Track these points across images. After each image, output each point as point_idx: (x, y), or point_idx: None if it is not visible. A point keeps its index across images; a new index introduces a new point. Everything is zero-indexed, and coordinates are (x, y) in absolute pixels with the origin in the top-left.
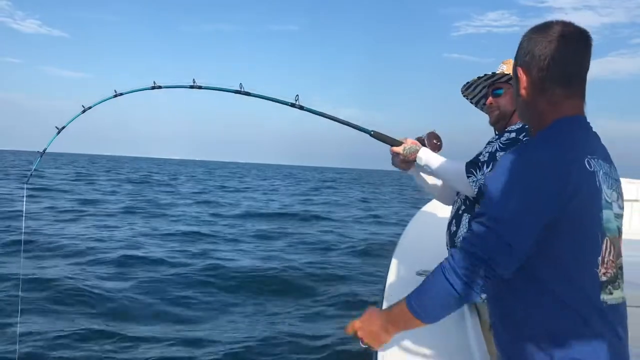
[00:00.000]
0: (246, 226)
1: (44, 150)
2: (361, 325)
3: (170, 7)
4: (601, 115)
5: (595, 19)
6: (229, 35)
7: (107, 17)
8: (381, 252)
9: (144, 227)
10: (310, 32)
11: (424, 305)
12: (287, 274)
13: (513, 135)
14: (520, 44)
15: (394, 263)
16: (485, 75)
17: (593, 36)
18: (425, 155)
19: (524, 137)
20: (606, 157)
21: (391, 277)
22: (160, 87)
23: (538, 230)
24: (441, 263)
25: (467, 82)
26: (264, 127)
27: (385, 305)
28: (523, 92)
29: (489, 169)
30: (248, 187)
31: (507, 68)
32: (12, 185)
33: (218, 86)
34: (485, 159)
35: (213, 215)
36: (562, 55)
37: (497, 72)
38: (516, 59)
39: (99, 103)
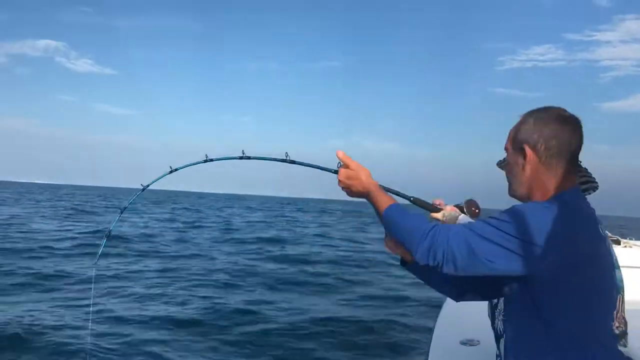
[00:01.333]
0: None
1: (128, 204)
2: (354, 168)
3: (216, 46)
4: None
5: None
6: (272, 73)
7: (155, 55)
8: None
9: None
10: (355, 69)
11: (395, 219)
12: None
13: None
14: (524, 123)
15: (437, 331)
16: None
17: None
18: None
19: None
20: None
21: (434, 346)
22: (212, 160)
23: (500, 272)
24: (437, 225)
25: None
26: None
27: None
28: (529, 167)
29: None
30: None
31: None
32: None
33: (266, 156)
34: None
35: None
36: (565, 135)
37: None
38: (520, 136)
39: (155, 181)
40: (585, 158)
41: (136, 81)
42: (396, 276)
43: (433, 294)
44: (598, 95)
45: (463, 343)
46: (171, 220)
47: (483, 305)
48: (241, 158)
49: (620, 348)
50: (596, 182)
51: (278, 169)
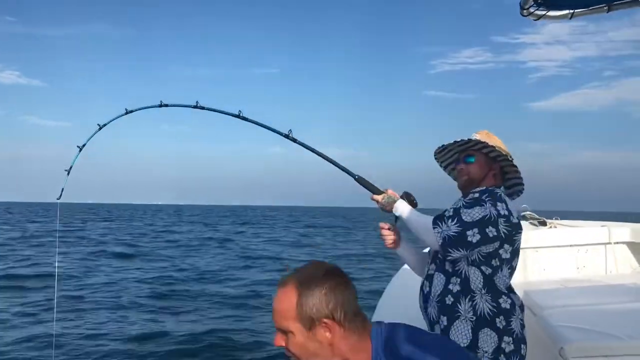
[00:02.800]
0: None
1: (83, 145)
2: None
3: (148, 50)
4: (582, 146)
5: (568, 53)
6: (209, 80)
7: (85, 64)
8: None
9: None
10: (292, 74)
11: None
12: None
13: (476, 195)
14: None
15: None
16: (462, 140)
17: (566, 70)
18: (402, 207)
19: (486, 197)
20: None
21: None
22: (167, 105)
23: None
24: None
25: (443, 145)
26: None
27: None
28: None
29: (454, 222)
30: None
31: (479, 137)
32: None
33: (219, 108)
34: (450, 214)
35: None
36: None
37: (471, 137)
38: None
39: (113, 120)
40: (519, 157)
41: (67, 92)
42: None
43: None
44: (526, 95)
45: None
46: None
47: (416, 299)
48: (195, 107)
49: None
50: (522, 185)
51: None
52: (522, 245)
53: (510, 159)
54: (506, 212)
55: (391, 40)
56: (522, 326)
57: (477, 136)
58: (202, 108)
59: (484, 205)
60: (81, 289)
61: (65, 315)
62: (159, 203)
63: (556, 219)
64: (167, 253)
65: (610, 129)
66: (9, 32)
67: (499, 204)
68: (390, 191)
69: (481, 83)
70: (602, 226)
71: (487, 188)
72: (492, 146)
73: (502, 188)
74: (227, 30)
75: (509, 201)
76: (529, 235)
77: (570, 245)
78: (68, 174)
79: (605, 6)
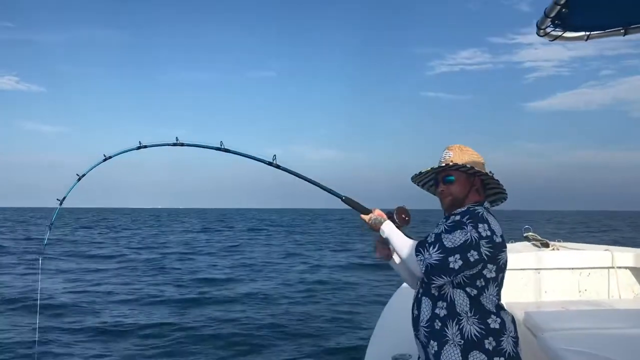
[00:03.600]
0: None
1: (63, 199)
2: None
3: (146, 57)
4: (581, 146)
5: (565, 53)
6: (206, 83)
7: (84, 69)
8: None
9: None
10: (288, 78)
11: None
12: None
13: (457, 217)
14: None
15: (370, 347)
16: (440, 167)
17: (564, 70)
18: (388, 229)
19: (467, 219)
20: None
21: None
22: (146, 147)
23: None
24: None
25: (420, 172)
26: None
27: None
28: None
29: (435, 249)
30: None
31: (453, 155)
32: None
33: (200, 143)
34: (432, 240)
35: None
36: None
37: (445, 157)
38: None
39: (93, 168)
40: (517, 157)
41: (66, 97)
42: None
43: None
44: (523, 95)
45: (395, 358)
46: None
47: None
48: (175, 145)
49: None
50: (505, 193)
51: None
52: (523, 266)
53: (490, 173)
54: (488, 233)
55: (388, 41)
56: (516, 344)
57: (450, 153)
58: (182, 144)
59: (464, 229)
60: None
61: None
62: (159, 207)
63: (559, 241)
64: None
65: (610, 128)
66: (7, 38)
67: (480, 225)
68: (377, 211)
69: (479, 84)
70: (605, 250)
71: (469, 209)
72: (470, 167)
73: (485, 203)
74: (222, 33)
75: (491, 219)
76: (531, 256)
77: (573, 268)
78: (49, 229)
79: (622, 29)
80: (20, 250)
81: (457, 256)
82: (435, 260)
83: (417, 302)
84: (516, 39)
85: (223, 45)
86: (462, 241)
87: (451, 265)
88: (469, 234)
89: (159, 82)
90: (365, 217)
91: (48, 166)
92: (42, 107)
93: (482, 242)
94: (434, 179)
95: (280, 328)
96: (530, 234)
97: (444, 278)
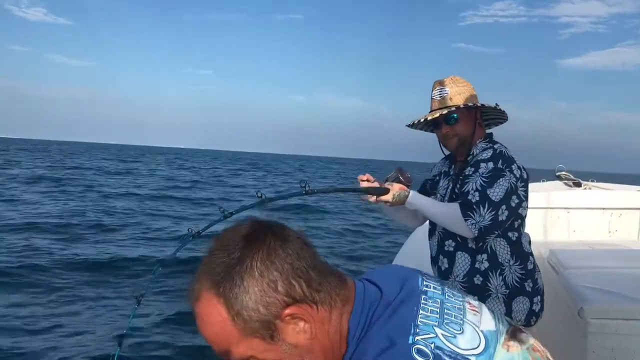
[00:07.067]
0: None
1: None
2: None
3: None
4: (614, 107)
5: (603, 10)
6: (233, 25)
7: (110, 4)
8: None
9: None
10: (317, 22)
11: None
12: None
13: (491, 164)
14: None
15: None
16: (449, 111)
17: (601, 26)
18: (416, 200)
19: (501, 164)
20: None
21: None
22: (271, 200)
23: None
24: None
25: (426, 119)
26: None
27: None
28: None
29: (486, 209)
30: None
31: (450, 91)
32: None
33: (286, 194)
34: (477, 198)
35: None
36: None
37: (442, 94)
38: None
39: (211, 225)
40: (546, 116)
41: (93, 32)
42: None
43: None
44: (557, 51)
45: None
46: None
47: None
48: (306, 193)
49: None
50: (506, 118)
51: None
52: (553, 205)
53: (491, 105)
54: (520, 172)
55: None
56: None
57: (446, 89)
58: (270, 200)
59: (505, 175)
60: None
61: None
62: (182, 147)
63: (592, 180)
64: None
65: None
66: None
67: (512, 166)
68: (397, 186)
69: (512, 37)
70: (639, 190)
71: (496, 151)
72: (472, 104)
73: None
74: None
75: (511, 153)
76: (562, 195)
77: (604, 209)
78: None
79: None
80: None
81: (504, 207)
82: (490, 221)
83: (446, 256)
84: None
85: None
86: (505, 190)
87: (500, 219)
88: (508, 180)
89: (185, 22)
90: (387, 196)
91: (75, 100)
92: (69, 40)
93: (518, 183)
94: (434, 122)
95: None
96: (563, 172)
97: (495, 233)
